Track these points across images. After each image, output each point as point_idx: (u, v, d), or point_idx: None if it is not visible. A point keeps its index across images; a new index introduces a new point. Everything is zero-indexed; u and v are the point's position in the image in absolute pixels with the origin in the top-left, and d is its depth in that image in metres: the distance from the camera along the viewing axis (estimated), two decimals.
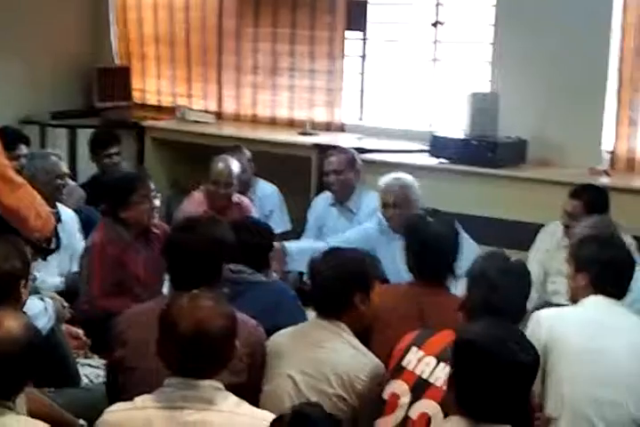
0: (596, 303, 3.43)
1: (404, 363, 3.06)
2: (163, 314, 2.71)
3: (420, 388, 2.97)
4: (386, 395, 3.06)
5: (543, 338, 3.24)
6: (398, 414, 2.99)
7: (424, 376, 2.99)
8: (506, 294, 3.05)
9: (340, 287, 3.31)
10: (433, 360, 3.00)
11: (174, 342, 2.64)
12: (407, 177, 5.31)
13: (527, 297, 3.17)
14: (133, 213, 4.67)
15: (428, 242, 3.69)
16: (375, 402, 3.09)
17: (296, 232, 6.08)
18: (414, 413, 2.95)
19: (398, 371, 3.06)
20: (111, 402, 2.85)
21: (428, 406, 2.93)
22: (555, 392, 3.20)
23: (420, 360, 3.03)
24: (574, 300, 3.52)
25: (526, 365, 2.51)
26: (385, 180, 5.29)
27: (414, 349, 3.06)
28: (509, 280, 3.08)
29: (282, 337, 3.34)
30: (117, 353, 3.26)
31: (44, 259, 4.81)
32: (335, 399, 3.11)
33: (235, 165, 5.52)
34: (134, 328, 3.24)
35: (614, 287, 3.45)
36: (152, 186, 4.78)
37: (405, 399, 2.99)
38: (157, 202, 4.78)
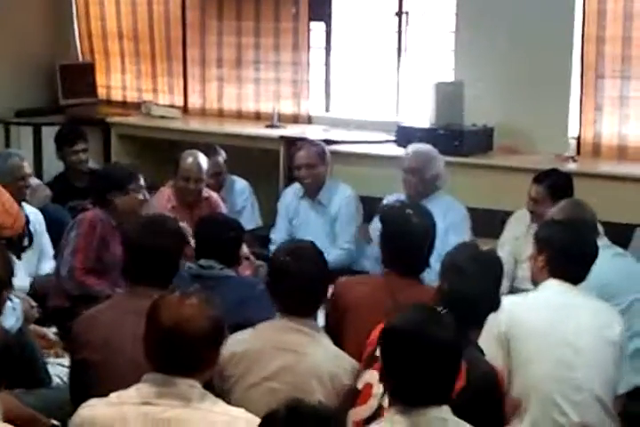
0: (554, 287, 3.47)
1: (378, 353, 3.06)
2: (152, 306, 2.71)
3: None
4: (360, 385, 3.06)
5: (504, 324, 3.28)
6: (372, 404, 2.99)
7: None
8: (477, 283, 3.06)
9: (316, 286, 3.30)
10: None
11: (155, 334, 2.65)
12: (427, 147, 5.40)
13: (499, 286, 3.19)
14: (127, 199, 4.79)
15: (407, 235, 3.68)
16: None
17: (266, 226, 6.07)
18: (388, 402, 2.95)
19: (372, 360, 3.06)
20: (74, 402, 2.83)
21: None
22: (520, 375, 3.23)
23: None
24: (534, 282, 3.55)
25: (448, 344, 2.53)
26: (408, 148, 5.43)
27: None
28: (480, 269, 3.09)
29: (247, 343, 3.23)
30: (80, 355, 3.28)
31: (19, 257, 4.79)
32: None
33: (203, 161, 5.50)
34: (95, 329, 3.27)
35: (570, 271, 3.47)
36: (143, 183, 4.92)
37: (379, 389, 2.97)
38: (148, 196, 4.96)
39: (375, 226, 5.12)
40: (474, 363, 2.90)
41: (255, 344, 3.23)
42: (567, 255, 3.49)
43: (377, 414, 2.96)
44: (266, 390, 3.13)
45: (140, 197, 4.86)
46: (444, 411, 2.51)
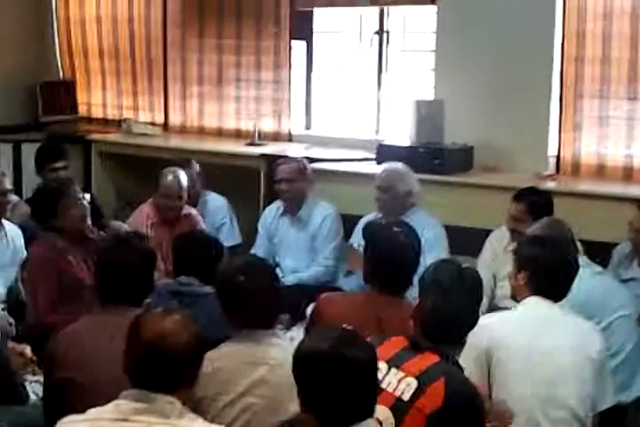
0: (535, 304, 3.48)
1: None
2: (133, 323, 2.70)
3: None
4: None
5: (485, 342, 3.27)
6: None
7: None
8: (457, 301, 3.05)
9: (275, 298, 3.31)
10: (384, 366, 2.97)
11: (135, 349, 2.64)
12: (398, 165, 5.47)
13: (479, 304, 3.18)
14: (65, 220, 4.61)
15: (392, 253, 3.67)
16: None
17: (246, 244, 6.06)
18: None
19: None
20: (48, 421, 2.81)
21: (378, 410, 2.88)
22: (502, 393, 3.22)
23: None
24: (515, 299, 3.55)
25: (363, 364, 2.52)
26: (382, 167, 5.49)
27: None
28: (461, 287, 3.08)
29: (216, 362, 3.18)
30: (55, 373, 3.26)
31: None
32: None
33: (184, 178, 5.50)
34: (71, 348, 3.25)
35: (551, 288, 3.49)
36: (78, 190, 4.74)
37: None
38: (87, 205, 4.73)
39: (355, 243, 5.14)
40: (453, 381, 2.88)
41: (224, 363, 3.20)
42: (548, 273, 3.50)
43: None
44: (242, 407, 3.12)
45: (76, 211, 4.64)
46: (369, 424, 2.53)
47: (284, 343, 3.30)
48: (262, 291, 3.26)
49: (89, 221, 4.72)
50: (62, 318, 4.18)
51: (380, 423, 2.87)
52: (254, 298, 3.25)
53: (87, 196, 4.81)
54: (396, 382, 2.88)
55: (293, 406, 2.94)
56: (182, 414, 2.60)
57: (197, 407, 3.10)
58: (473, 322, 3.10)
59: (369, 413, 2.53)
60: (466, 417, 2.87)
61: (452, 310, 3.02)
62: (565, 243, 3.83)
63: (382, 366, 2.97)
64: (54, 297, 4.52)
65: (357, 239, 5.05)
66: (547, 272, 3.50)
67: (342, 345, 2.52)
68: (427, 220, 5.20)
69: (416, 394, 2.81)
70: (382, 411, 2.87)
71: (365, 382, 2.52)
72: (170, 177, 5.44)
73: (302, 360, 2.56)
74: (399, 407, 2.82)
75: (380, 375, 2.95)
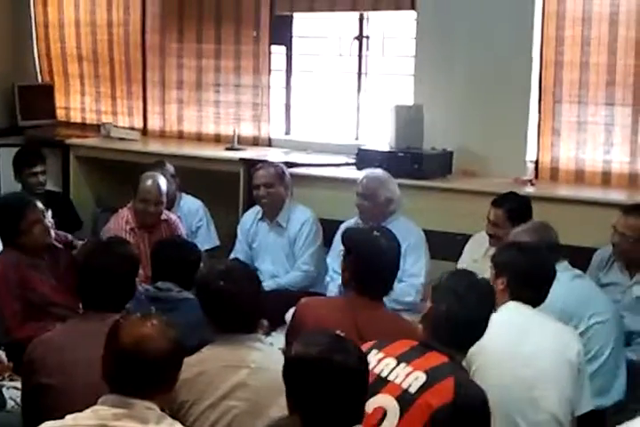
0: (513, 309, 3.51)
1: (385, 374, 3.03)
2: (111, 329, 2.70)
3: (378, 385, 2.94)
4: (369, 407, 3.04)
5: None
6: None
7: (383, 375, 2.98)
8: (471, 308, 3.06)
9: (255, 302, 3.33)
10: (393, 361, 2.99)
11: (114, 354, 2.64)
12: (379, 172, 5.48)
13: (490, 313, 3.19)
14: (28, 238, 4.52)
15: (372, 258, 3.68)
16: None
17: (225, 248, 6.04)
18: (370, 407, 2.91)
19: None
20: (27, 425, 2.79)
21: (383, 400, 2.91)
22: None
23: (379, 361, 3.02)
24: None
25: (355, 369, 2.53)
26: (363, 174, 5.47)
27: (374, 351, 3.06)
28: (475, 295, 3.09)
29: (197, 366, 3.18)
30: (34, 379, 3.24)
31: None
32: None
33: (163, 183, 5.48)
34: (50, 353, 3.24)
35: (529, 293, 3.53)
36: (39, 205, 4.60)
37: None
38: (49, 219, 4.63)
39: (336, 250, 5.13)
40: (462, 381, 2.91)
41: (206, 366, 3.19)
42: (525, 279, 3.54)
43: None
44: (222, 410, 3.11)
45: (39, 228, 4.53)
46: None
47: (266, 348, 3.30)
48: (243, 295, 3.26)
49: (53, 234, 4.64)
50: (32, 331, 4.16)
51: (385, 413, 2.88)
52: (235, 302, 3.25)
53: (49, 212, 4.66)
54: (404, 375, 2.91)
55: (274, 411, 2.96)
56: (160, 420, 2.60)
57: (179, 411, 3.11)
58: (483, 330, 3.10)
59: (357, 420, 2.53)
60: (474, 419, 2.88)
61: (464, 316, 3.03)
62: (542, 248, 3.84)
63: (391, 361, 3.01)
64: (21, 315, 4.44)
65: (339, 245, 5.08)
66: (525, 277, 3.54)
67: (332, 350, 2.52)
68: (407, 226, 5.21)
69: (424, 387, 2.82)
70: (388, 401, 2.89)
71: (354, 389, 2.53)
72: (149, 182, 5.42)
73: (292, 365, 2.57)
74: (405, 399, 2.84)
75: (387, 369, 2.98)
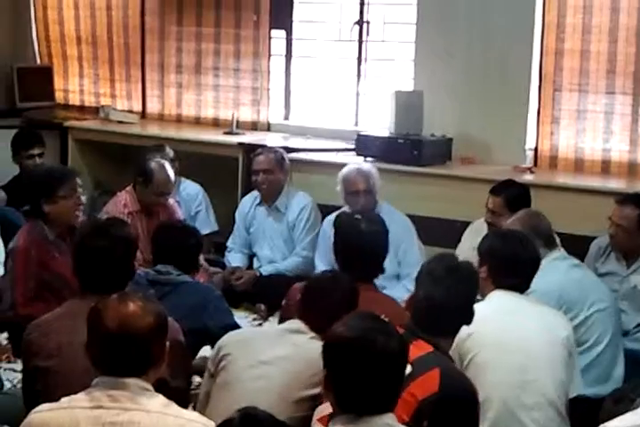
0: (501, 296, 3.52)
1: None
2: (90, 312, 2.68)
3: None
4: None
5: (457, 337, 3.25)
6: None
7: None
8: (449, 291, 3.06)
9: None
10: None
11: (100, 338, 2.61)
12: (368, 165, 5.43)
13: (473, 298, 3.19)
14: (58, 207, 4.47)
15: (361, 242, 3.75)
16: None
17: (223, 233, 6.04)
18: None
19: None
20: (28, 407, 2.79)
21: None
22: (477, 383, 3.23)
23: None
24: (482, 293, 3.57)
25: (396, 353, 2.52)
26: (349, 169, 5.34)
27: None
28: (454, 278, 3.09)
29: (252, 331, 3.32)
30: (33, 361, 3.24)
31: None
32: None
33: (172, 172, 5.44)
34: (48, 335, 3.23)
35: (510, 280, 3.52)
36: (79, 182, 4.60)
37: None
38: (84, 199, 4.63)
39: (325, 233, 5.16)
40: (447, 371, 2.91)
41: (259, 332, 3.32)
42: (505, 265, 3.54)
43: None
44: (259, 373, 3.18)
45: (71, 202, 4.50)
46: (389, 417, 2.50)
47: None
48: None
49: (81, 215, 4.60)
50: (36, 310, 4.11)
51: None
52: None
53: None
54: None
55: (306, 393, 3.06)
56: (155, 399, 2.60)
57: (218, 364, 3.25)
58: (467, 315, 3.10)
59: (390, 406, 2.51)
60: (460, 405, 2.88)
61: (442, 300, 3.03)
62: (524, 234, 3.80)
63: None
64: (31, 294, 4.42)
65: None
66: (505, 264, 3.53)
67: (375, 333, 2.51)
68: (392, 213, 5.19)
69: (408, 379, 2.79)
70: None
71: (391, 374, 2.50)
72: (163, 175, 5.34)
73: (333, 345, 2.55)
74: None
75: None
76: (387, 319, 2.66)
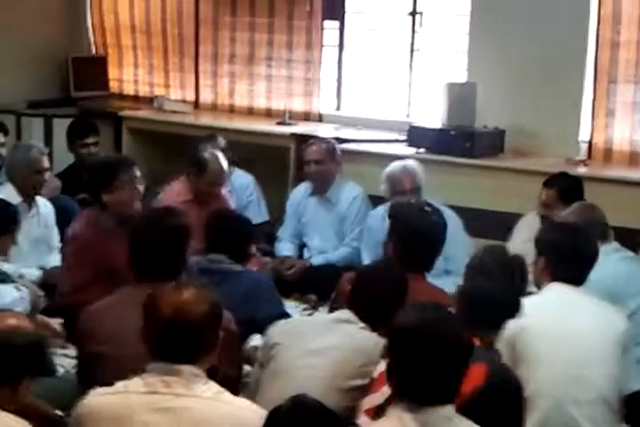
0: (556, 289, 3.50)
1: None
2: (147, 299, 2.73)
3: None
4: (375, 373, 3.06)
5: (511, 329, 3.24)
6: (385, 391, 2.97)
7: None
8: (499, 286, 3.05)
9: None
10: None
11: (156, 325, 2.66)
12: (412, 163, 5.30)
13: (522, 291, 3.18)
14: (116, 196, 4.46)
15: (421, 232, 3.76)
16: None
17: (274, 223, 6.07)
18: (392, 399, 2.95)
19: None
20: (84, 391, 2.84)
21: None
22: (529, 378, 3.22)
23: None
24: (537, 284, 3.55)
25: (462, 345, 2.52)
26: (395, 168, 5.26)
27: None
28: (504, 272, 3.09)
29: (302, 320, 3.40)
30: (87, 348, 3.31)
31: None
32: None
33: (225, 163, 5.46)
34: (101, 322, 3.29)
35: (569, 273, 3.50)
36: (138, 172, 4.61)
37: None
38: (142, 189, 4.62)
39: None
40: (494, 365, 2.90)
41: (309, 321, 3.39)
42: (564, 257, 3.52)
43: (388, 401, 2.95)
44: (309, 362, 3.21)
45: (130, 191, 4.49)
46: (449, 410, 2.50)
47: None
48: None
49: (138, 207, 4.56)
50: (90, 296, 4.16)
51: None
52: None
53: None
54: None
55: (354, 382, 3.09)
56: (208, 386, 2.64)
57: (269, 352, 3.31)
58: (515, 308, 3.09)
59: (451, 398, 2.51)
60: (506, 399, 2.88)
61: (491, 294, 3.02)
62: (583, 227, 3.79)
63: None
64: (85, 280, 4.39)
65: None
66: (564, 257, 3.51)
67: (441, 322, 2.52)
68: (442, 210, 5.16)
69: None
70: None
71: (455, 364, 2.50)
72: (217, 166, 5.36)
73: (398, 333, 2.55)
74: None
75: None
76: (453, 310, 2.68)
